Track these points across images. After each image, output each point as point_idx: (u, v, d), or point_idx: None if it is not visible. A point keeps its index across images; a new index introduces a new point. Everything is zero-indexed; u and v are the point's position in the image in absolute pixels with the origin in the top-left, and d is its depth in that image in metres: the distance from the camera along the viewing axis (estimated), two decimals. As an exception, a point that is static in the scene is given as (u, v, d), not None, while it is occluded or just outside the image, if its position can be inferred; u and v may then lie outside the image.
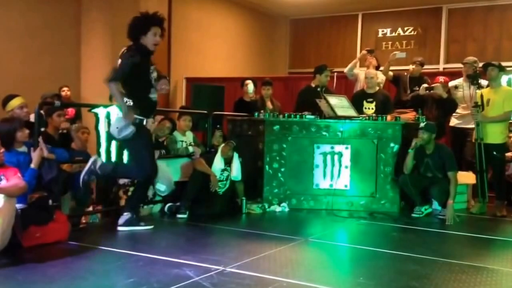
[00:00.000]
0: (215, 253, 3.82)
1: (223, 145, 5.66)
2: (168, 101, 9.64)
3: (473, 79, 5.95)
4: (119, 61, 4.36)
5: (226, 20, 11.14)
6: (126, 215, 4.52)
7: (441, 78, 6.67)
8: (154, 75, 4.49)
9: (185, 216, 5.17)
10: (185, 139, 5.86)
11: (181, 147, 5.70)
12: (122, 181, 5.13)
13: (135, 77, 4.34)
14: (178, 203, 5.31)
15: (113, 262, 3.64)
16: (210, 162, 5.51)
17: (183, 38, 9.90)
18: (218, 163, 5.52)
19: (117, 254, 3.79)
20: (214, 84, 8.16)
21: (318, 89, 6.55)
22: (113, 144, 4.82)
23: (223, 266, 3.43)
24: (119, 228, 4.48)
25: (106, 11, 8.24)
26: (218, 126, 6.25)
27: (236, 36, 11.32)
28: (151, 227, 4.62)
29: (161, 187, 5.00)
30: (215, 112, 6.43)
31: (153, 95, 4.50)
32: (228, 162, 5.58)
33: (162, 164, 5.14)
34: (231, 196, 5.66)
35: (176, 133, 5.81)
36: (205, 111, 6.28)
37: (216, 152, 5.65)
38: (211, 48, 10.65)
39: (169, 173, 5.25)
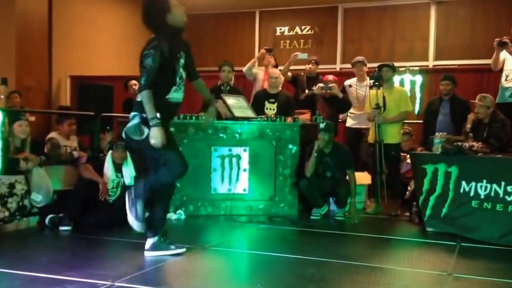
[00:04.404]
0: (103, 267, 3.72)
1: (112, 150, 5.50)
2: (50, 102, 9.18)
3: (377, 80, 5.99)
4: (145, 59, 3.78)
5: (115, 12, 10.82)
6: (151, 240, 4.05)
7: (330, 77, 7.01)
8: (182, 62, 3.97)
9: (69, 228, 4.96)
10: (69, 143, 5.66)
11: (65, 152, 5.49)
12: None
13: (159, 72, 3.80)
14: (61, 214, 5.09)
15: (-16, 283, 3.42)
16: (98, 168, 5.34)
17: (66, 32, 9.48)
18: (108, 169, 5.37)
19: (-11, 274, 3.56)
20: (102, 83, 7.95)
21: (222, 87, 6.55)
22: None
23: (111, 281, 3.34)
24: (146, 254, 4.00)
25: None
26: (108, 128, 6.09)
27: (126, 31, 10.98)
28: (183, 250, 4.08)
29: (37, 197, 4.76)
30: (103, 114, 6.25)
31: (174, 95, 3.99)
32: (119, 167, 5.44)
33: (40, 172, 4.91)
34: (122, 205, 5.50)
35: (58, 137, 5.57)
36: (92, 113, 6.09)
37: (105, 157, 5.49)
38: (99, 44, 10.29)
39: (47, 182, 5.01)
